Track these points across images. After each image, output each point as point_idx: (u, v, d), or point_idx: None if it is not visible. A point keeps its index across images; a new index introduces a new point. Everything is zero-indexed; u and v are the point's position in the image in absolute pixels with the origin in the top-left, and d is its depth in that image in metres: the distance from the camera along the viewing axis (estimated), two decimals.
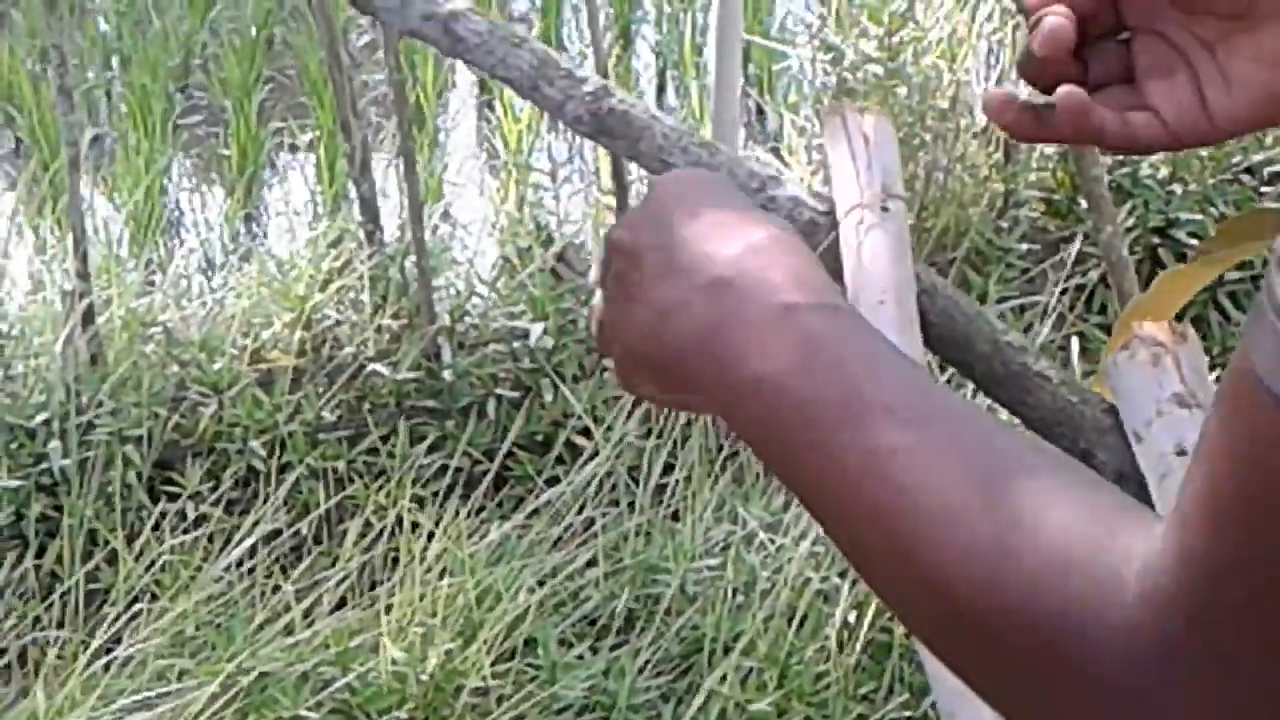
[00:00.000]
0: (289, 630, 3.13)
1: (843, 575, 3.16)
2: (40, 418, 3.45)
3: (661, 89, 5.81)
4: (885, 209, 0.97)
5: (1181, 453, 1.21)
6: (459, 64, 5.28)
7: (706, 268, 0.71)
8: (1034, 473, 0.62)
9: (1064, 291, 3.94)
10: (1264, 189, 4.19)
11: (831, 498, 0.66)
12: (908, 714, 2.98)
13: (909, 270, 0.93)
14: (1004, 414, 1.40)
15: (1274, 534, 0.52)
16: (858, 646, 3.07)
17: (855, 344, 0.68)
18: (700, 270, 0.71)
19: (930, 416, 0.65)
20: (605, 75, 3.93)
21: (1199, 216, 4.04)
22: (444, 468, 3.53)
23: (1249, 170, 4.27)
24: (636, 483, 3.47)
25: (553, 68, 1.02)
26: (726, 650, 3.07)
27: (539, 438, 3.63)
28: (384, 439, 3.57)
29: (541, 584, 3.23)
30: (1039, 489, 0.61)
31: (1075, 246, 3.98)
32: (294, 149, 5.16)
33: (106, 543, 3.35)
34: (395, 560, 3.29)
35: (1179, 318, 1.41)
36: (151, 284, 4.16)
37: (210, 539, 3.35)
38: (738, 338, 0.69)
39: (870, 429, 0.65)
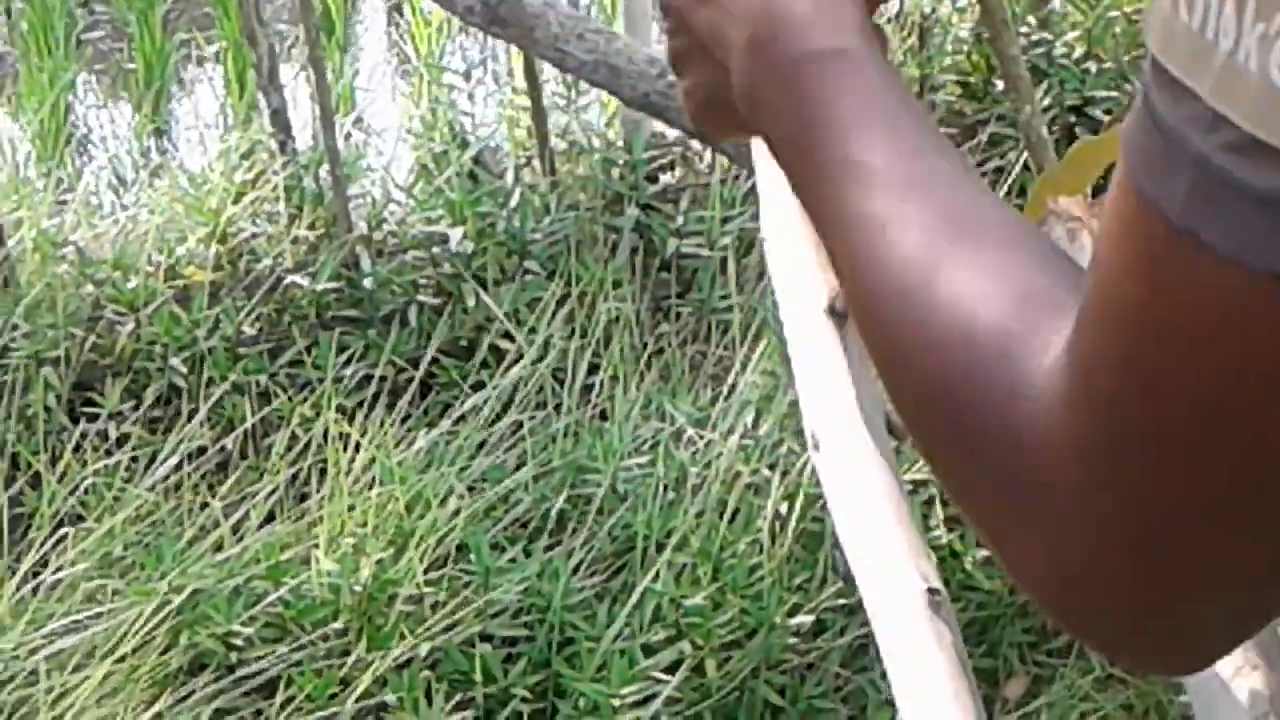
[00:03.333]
0: (219, 547, 3.10)
1: (772, 468, 3.16)
2: None
3: None
4: None
5: None
6: None
7: (742, 30, 0.78)
8: (982, 252, 0.66)
9: (983, 175, 3.93)
10: None
11: (835, 250, 0.71)
12: (841, 602, 2.99)
13: None
14: None
15: (1131, 338, 0.54)
16: (789, 537, 3.07)
17: (849, 101, 0.74)
18: (738, 32, 0.79)
19: (907, 184, 0.70)
20: None
21: (1114, 94, 4.04)
22: (368, 377, 3.50)
23: None
24: (562, 384, 3.46)
25: None
26: (659, 547, 3.07)
27: (462, 343, 3.60)
28: (306, 350, 3.54)
29: (471, 489, 3.22)
30: (979, 275, 0.64)
31: (992, 128, 3.97)
32: (201, 61, 5.09)
33: (29, 466, 3.31)
34: (323, 472, 3.27)
35: (1094, 195, 1.39)
36: (62, 203, 4.09)
37: (134, 458, 3.32)
38: (765, 99, 0.77)
39: (850, 192, 0.70)
